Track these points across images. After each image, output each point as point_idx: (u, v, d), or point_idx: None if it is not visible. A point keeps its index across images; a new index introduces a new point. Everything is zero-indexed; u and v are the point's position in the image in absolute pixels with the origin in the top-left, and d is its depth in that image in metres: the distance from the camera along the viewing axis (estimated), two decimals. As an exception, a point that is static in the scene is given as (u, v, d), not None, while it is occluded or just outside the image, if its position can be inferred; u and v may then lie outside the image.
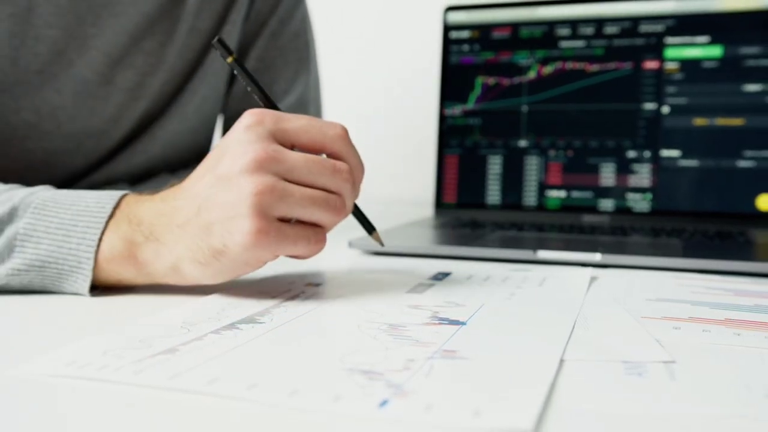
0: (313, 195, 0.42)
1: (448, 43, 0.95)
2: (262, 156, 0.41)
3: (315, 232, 0.43)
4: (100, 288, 0.45)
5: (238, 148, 0.41)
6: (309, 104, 0.82)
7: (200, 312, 0.40)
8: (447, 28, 0.95)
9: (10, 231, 0.44)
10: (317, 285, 0.48)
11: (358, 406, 0.25)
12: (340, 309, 0.41)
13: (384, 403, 0.26)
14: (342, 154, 0.44)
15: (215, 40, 0.46)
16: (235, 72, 0.47)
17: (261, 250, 0.41)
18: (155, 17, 0.67)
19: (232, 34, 0.74)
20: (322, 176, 0.42)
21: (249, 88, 0.48)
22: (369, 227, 0.50)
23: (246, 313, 0.39)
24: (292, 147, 0.43)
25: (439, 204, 0.93)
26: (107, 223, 0.43)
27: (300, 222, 0.43)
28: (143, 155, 0.71)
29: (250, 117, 0.43)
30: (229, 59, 0.46)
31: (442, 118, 0.94)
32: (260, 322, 0.37)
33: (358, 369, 0.29)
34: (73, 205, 0.44)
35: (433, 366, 0.30)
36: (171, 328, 0.36)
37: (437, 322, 0.38)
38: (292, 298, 0.44)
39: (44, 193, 0.45)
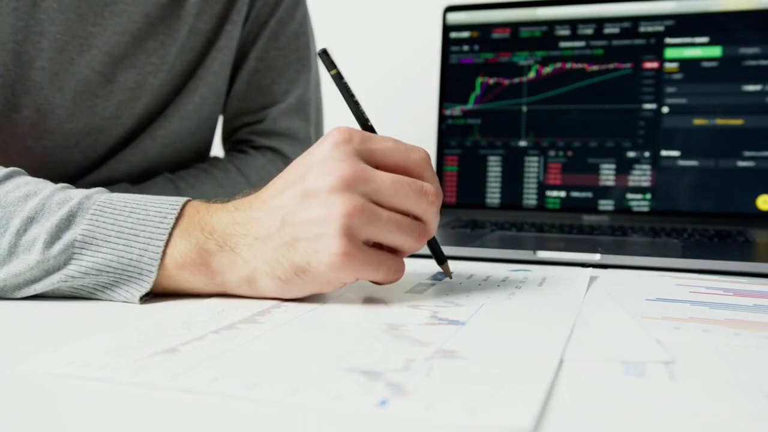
0: (399, 220, 0.41)
1: (448, 43, 0.95)
2: (350, 175, 0.40)
3: (395, 260, 0.43)
4: (149, 295, 0.43)
5: (326, 164, 0.41)
6: (309, 104, 0.82)
7: (200, 312, 0.40)
8: (447, 29, 0.95)
9: (67, 237, 0.42)
10: (317, 285, 0.48)
11: (358, 406, 0.25)
12: (340, 309, 0.42)
13: (383, 402, 0.26)
14: (424, 178, 0.44)
15: (320, 50, 0.45)
16: (335, 83, 0.46)
17: (345, 273, 0.40)
18: (157, 17, 0.67)
19: (232, 34, 0.74)
20: (408, 198, 0.42)
21: (347, 103, 0.46)
22: (441, 257, 0.49)
23: (246, 313, 0.39)
24: (376, 167, 0.42)
25: (439, 204, 0.93)
26: (171, 233, 0.42)
27: (378, 246, 0.43)
28: (143, 154, 0.71)
29: (338, 134, 0.42)
30: (333, 71, 0.45)
31: (442, 118, 0.94)
32: (260, 322, 0.37)
33: (358, 369, 0.29)
34: (132, 212, 0.43)
35: (433, 366, 0.30)
36: (171, 328, 0.36)
37: (437, 322, 0.38)
38: (292, 298, 0.44)
39: (101, 196, 0.44)
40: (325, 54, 0.45)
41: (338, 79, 0.46)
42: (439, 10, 0.97)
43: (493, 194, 0.91)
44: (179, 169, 0.75)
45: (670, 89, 0.85)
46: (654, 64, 0.86)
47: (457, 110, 0.94)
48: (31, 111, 0.63)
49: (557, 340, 0.34)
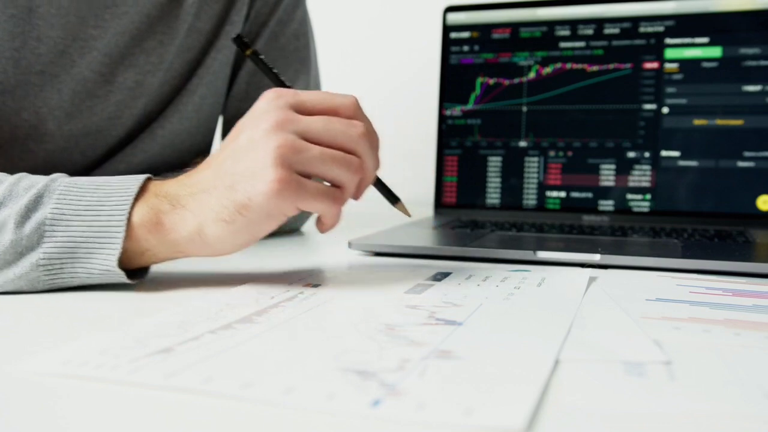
0: (333, 153, 0.44)
1: (448, 43, 0.95)
2: (281, 118, 0.44)
3: (335, 191, 0.46)
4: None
5: (259, 117, 0.45)
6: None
7: (198, 312, 0.40)
8: (447, 29, 0.95)
9: (37, 217, 0.44)
10: (316, 286, 0.48)
11: (351, 405, 0.25)
12: (338, 309, 0.41)
13: (376, 402, 0.25)
14: (356, 120, 0.47)
15: (234, 36, 0.49)
16: (253, 62, 0.51)
17: (283, 201, 0.43)
18: (156, 16, 0.67)
19: (232, 35, 0.74)
20: (338, 133, 0.45)
21: (270, 78, 0.51)
22: (392, 198, 0.51)
23: (243, 313, 0.39)
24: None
25: (439, 204, 0.93)
26: (134, 202, 0.45)
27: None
28: (143, 155, 0.71)
29: (269, 93, 0.46)
30: (248, 52, 0.50)
31: (442, 119, 0.94)
32: (257, 322, 0.37)
33: (353, 369, 0.29)
34: (98, 188, 0.46)
35: (428, 366, 0.30)
36: (168, 328, 0.36)
37: (434, 322, 0.38)
38: (291, 298, 0.44)
39: (65, 179, 0.47)
40: (239, 38, 0.50)
41: (255, 57, 0.50)
42: (439, 10, 0.97)
43: (493, 194, 0.91)
44: (179, 169, 0.75)
45: (670, 89, 0.85)
46: (654, 65, 0.86)
47: (457, 110, 0.94)
48: (29, 114, 0.63)
49: (553, 340, 0.34)
